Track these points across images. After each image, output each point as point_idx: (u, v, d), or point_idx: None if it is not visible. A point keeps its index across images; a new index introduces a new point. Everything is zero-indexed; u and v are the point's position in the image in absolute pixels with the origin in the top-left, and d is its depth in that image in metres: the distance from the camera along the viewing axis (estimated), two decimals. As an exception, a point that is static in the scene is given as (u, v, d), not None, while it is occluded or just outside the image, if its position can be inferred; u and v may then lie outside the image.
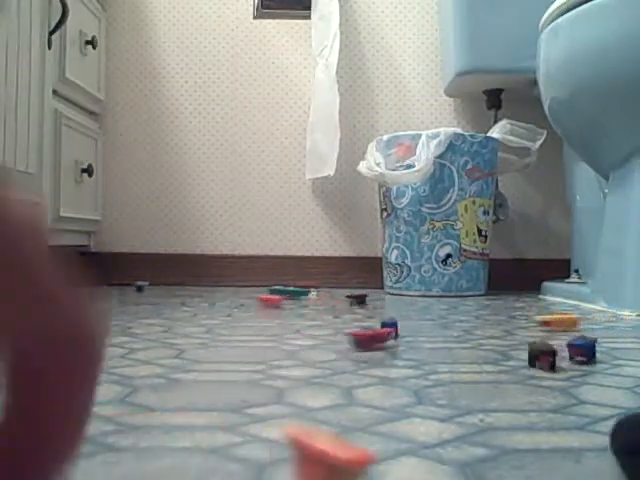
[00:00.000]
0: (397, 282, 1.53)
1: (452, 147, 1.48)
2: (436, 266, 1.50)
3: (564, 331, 0.84)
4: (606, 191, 1.29)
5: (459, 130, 1.53)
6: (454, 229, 1.50)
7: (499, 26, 1.61)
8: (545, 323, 0.88)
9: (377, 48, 1.83)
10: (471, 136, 1.51)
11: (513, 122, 1.59)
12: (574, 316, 0.91)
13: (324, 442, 0.28)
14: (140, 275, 1.76)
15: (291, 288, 1.42)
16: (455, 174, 1.49)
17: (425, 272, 1.50)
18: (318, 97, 1.71)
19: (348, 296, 1.27)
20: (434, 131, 1.48)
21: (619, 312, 1.10)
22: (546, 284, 1.51)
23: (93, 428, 0.39)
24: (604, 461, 0.34)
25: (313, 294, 1.43)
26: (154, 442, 0.36)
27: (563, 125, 1.35)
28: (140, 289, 1.56)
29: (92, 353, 0.25)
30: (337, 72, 1.71)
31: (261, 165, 1.84)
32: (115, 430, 0.38)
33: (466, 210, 1.50)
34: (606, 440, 0.37)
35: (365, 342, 0.70)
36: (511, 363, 0.62)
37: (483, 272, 1.55)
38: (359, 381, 0.53)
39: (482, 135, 1.54)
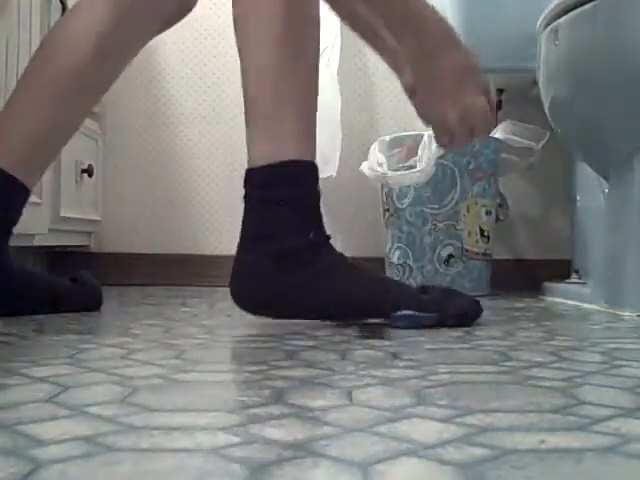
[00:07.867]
0: (398, 282, 1.53)
1: (453, 147, 1.48)
2: (438, 266, 1.49)
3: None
4: (606, 191, 1.29)
5: (460, 130, 1.53)
6: (456, 229, 1.50)
7: (498, 26, 1.60)
8: None
9: (378, 48, 1.83)
10: (472, 136, 1.51)
11: (516, 122, 1.59)
12: None
13: None
14: (139, 275, 1.76)
15: None
16: (457, 175, 1.49)
17: (427, 272, 1.49)
18: (320, 98, 1.70)
19: None
20: (435, 131, 1.48)
21: (619, 312, 1.10)
22: (546, 284, 1.51)
23: (93, 428, 0.39)
24: (604, 462, 0.34)
25: None
26: (154, 442, 0.36)
27: (563, 125, 1.35)
28: None
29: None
30: (338, 73, 1.70)
31: (261, 165, 1.84)
32: (115, 430, 0.38)
33: (468, 210, 1.50)
34: (606, 441, 0.37)
35: None
36: (511, 363, 0.61)
37: (486, 272, 1.55)
38: (359, 381, 0.53)
39: (484, 135, 1.54)
